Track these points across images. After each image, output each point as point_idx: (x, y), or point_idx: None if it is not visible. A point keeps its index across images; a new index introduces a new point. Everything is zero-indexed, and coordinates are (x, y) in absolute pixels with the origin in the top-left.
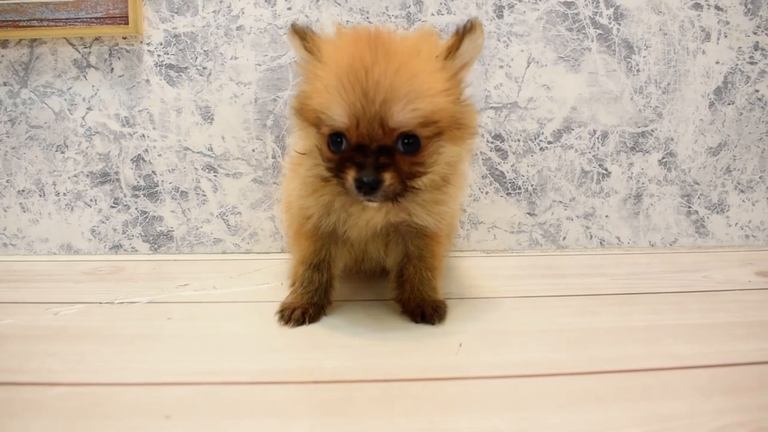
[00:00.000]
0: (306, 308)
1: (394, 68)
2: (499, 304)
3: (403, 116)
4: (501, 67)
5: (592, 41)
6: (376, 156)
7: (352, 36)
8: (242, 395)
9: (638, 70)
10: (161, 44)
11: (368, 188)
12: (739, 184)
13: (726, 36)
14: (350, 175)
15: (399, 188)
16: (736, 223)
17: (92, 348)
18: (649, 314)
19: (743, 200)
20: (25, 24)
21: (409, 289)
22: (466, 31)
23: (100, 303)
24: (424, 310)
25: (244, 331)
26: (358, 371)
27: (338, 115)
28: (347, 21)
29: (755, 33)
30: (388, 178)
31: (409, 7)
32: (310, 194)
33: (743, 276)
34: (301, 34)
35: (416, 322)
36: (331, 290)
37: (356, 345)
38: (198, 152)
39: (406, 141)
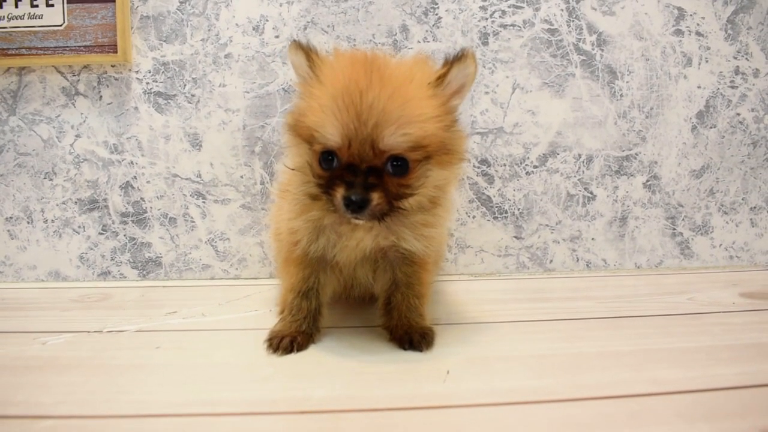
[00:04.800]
0: (295, 336)
1: (388, 93)
2: (486, 329)
3: (393, 140)
4: (486, 93)
5: (576, 67)
6: (365, 176)
7: (349, 58)
8: (231, 427)
9: (621, 95)
10: (150, 72)
11: (356, 206)
12: (722, 205)
13: (707, 61)
14: (339, 193)
15: (386, 208)
16: (720, 245)
17: (81, 379)
18: (634, 338)
19: (727, 222)
20: (13, 52)
21: (396, 316)
22: (455, 60)
23: (89, 332)
24: (412, 337)
25: (233, 360)
26: (346, 400)
27: (331, 135)
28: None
29: (735, 58)
30: (375, 197)
31: (396, 34)
32: (299, 214)
33: (727, 298)
34: (306, 52)
35: (404, 349)
36: (320, 318)
37: (344, 373)
38: (186, 179)
39: (395, 163)
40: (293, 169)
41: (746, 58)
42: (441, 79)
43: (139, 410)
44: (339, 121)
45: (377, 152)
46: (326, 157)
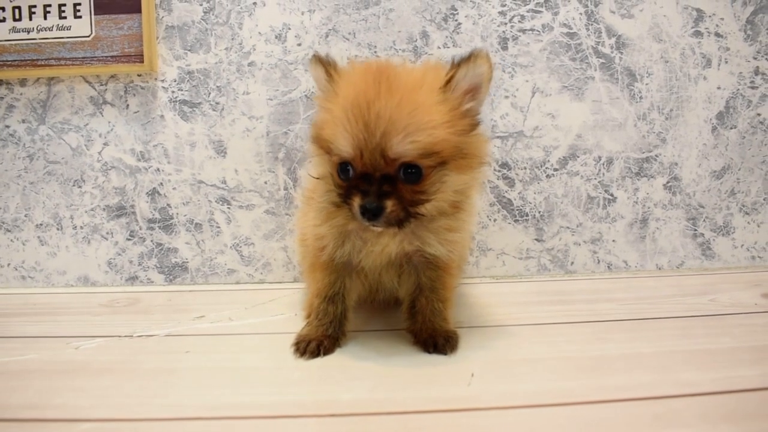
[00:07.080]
0: (321, 340)
1: (395, 102)
2: (509, 332)
3: (402, 148)
4: (506, 97)
5: (595, 70)
6: (379, 184)
7: (362, 70)
8: (259, 430)
9: (641, 98)
10: (175, 81)
11: (371, 214)
12: (743, 206)
13: (726, 62)
14: (356, 202)
15: (401, 214)
16: (742, 245)
17: (115, 383)
18: (656, 340)
19: (748, 222)
20: (42, 63)
21: (421, 320)
22: (462, 61)
23: (120, 336)
24: (437, 340)
25: (260, 363)
26: (374, 403)
27: (344, 146)
28: (356, 56)
29: (755, 58)
30: (389, 205)
31: (416, 41)
32: (324, 221)
33: (749, 299)
34: (325, 65)
35: (429, 352)
36: (346, 322)
37: (371, 376)
38: (212, 185)
39: (407, 170)
40: (317, 178)
41: (766, 59)
42: (449, 82)
43: (172, 413)
44: (349, 132)
45: (388, 161)
46: (343, 167)
